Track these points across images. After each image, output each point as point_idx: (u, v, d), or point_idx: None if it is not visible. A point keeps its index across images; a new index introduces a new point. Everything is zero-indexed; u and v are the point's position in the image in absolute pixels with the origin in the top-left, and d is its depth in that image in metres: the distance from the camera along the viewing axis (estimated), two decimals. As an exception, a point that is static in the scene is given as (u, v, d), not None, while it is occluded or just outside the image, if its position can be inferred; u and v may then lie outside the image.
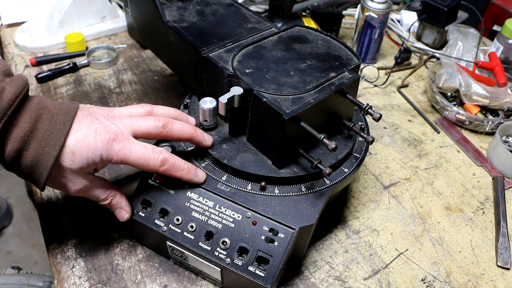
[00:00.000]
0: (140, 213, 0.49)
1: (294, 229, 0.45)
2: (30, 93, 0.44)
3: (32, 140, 0.40)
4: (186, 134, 0.48)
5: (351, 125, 0.51)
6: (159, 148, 0.45)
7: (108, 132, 0.43)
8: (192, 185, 0.49)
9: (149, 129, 0.46)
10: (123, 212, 0.48)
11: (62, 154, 0.41)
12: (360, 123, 0.57)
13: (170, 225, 0.48)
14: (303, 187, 0.49)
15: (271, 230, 0.46)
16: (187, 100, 0.58)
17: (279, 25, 0.83)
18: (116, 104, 0.76)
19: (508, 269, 0.57)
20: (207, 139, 0.50)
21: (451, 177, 0.69)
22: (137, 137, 0.46)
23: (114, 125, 0.44)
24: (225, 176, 0.49)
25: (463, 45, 0.84)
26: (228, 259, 0.45)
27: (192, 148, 0.52)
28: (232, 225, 0.46)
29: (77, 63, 0.84)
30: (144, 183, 0.50)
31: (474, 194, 0.66)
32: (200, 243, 0.46)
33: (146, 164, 0.44)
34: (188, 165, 0.48)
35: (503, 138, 0.73)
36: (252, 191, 0.48)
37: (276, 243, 0.45)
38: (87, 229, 0.56)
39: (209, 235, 0.47)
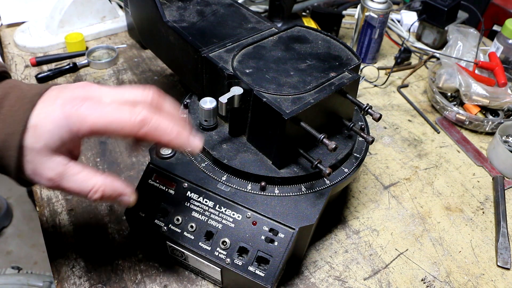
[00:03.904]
0: (140, 213, 0.49)
1: (294, 229, 0.45)
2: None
3: None
4: (175, 115, 0.40)
5: (351, 125, 0.51)
6: (139, 107, 0.37)
7: (75, 99, 0.36)
8: (192, 185, 0.49)
9: (135, 97, 0.38)
10: (125, 198, 0.40)
11: (26, 132, 0.35)
12: (360, 123, 0.57)
13: (170, 225, 0.48)
14: (303, 187, 0.49)
15: (271, 230, 0.46)
16: (187, 100, 0.58)
17: (279, 25, 0.83)
18: (116, 104, 0.76)
19: (508, 269, 0.57)
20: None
21: (451, 177, 0.69)
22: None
23: (85, 91, 0.37)
24: (225, 176, 0.49)
25: (463, 45, 0.84)
26: (228, 259, 0.45)
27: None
28: (232, 225, 0.46)
29: (77, 63, 0.84)
30: (144, 183, 0.50)
31: (474, 194, 0.66)
32: (200, 243, 0.46)
33: (120, 128, 0.36)
34: (179, 129, 0.38)
35: (503, 138, 0.73)
36: (252, 191, 0.48)
37: (276, 243, 0.45)
38: (87, 229, 0.56)
39: (209, 235, 0.47)
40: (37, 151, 0.35)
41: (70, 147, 0.37)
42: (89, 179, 0.38)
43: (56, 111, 0.35)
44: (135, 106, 0.37)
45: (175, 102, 0.42)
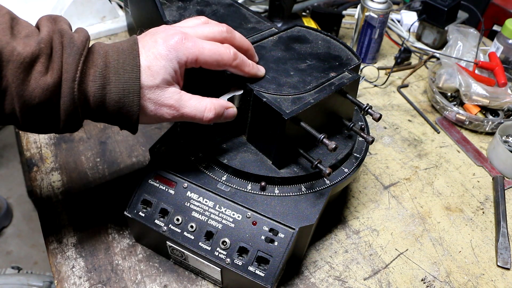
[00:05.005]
0: (140, 213, 0.49)
1: (294, 229, 0.46)
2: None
3: (110, 72, 0.39)
4: (245, 44, 0.47)
5: (351, 125, 0.51)
6: (226, 44, 0.44)
7: (174, 35, 0.41)
8: (192, 185, 0.49)
9: (214, 34, 0.45)
10: (230, 110, 0.46)
11: (141, 75, 0.40)
12: (360, 123, 0.57)
13: (170, 225, 0.48)
14: (303, 187, 0.49)
15: (271, 230, 0.46)
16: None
17: (279, 25, 0.83)
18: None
19: (508, 269, 0.57)
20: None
21: (451, 177, 0.69)
22: None
23: (178, 29, 0.43)
24: (225, 176, 0.49)
25: (463, 45, 0.84)
26: (228, 259, 0.45)
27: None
28: (232, 225, 0.46)
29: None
30: (144, 183, 0.50)
31: (474, 194, 0.66)
32: (200, 243, 0.46)
33: (220, 58, 0.43)
34: (251, 61, 0.47)
35: (503, 138, 0.73)
36: (252, 191, 0.48)
37: (276, 243, 0.45)
38: (87, 229, 0.56)
39: (209, 235, 0.47)
40: (156, 86, 0.41)
41: (177, 79, 0.43)
42: (201, 101, 0.44)
43: (163, 49, 0.41)
44: (221, 43, 0.44)
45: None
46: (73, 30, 0.41)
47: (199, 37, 0.43)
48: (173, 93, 0.42)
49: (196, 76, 0.54)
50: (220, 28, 0.45)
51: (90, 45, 0.41)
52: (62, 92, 0.38)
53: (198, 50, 0.42)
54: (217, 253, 0.46)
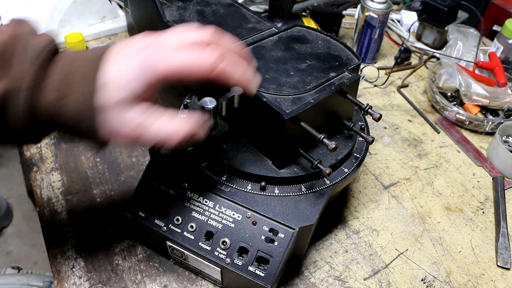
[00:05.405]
0: (140, 213, 0.49)
1: (294, 229, 0.46)
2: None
3: (69, 83, 0.35)
4: (236, 48, 0.41)
5: (351, 125, 0.51)
6: (207, 51, 0.37)
7: (139, 49, 0.36)
8: (192, 185, 0.49)
9: (196, 39, 0.38)
10: (196, 138, 0.39)
11: (96, 92, 0.35)
12: (360, 123, 0.57)
13: (170, 225, 0.48)
14: (303, 187, 0.49)
15: (271, 230, 0.46)
16: (187, 100, 0.58)
17: (279, 25, 0.83)
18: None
19: (508, 269, 0.57)
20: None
21: (451, 177, 0.69)
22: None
23: (154, 39, 0.38)
24: (225, 176, 0.49)
25: (463, 45, 0.84)
26: (228, 259, 0.45)
27: (191, 148, 0.52)
28: (232, 225, 0.46)
29: (77, 63, 0.84)
30: (144, 183, 0.50)
31: (474, 194, 0.66)
32: (200, 243, 0.46)
33: (193, 72, 0.36)
34: (242, 69, 0.39)
35: (503, 138, 0.73)
36: (252, 191, 0.48)
37: (276, 243, 0.45)
38: (87, 229, 0.56)
39: (209, 235, 0.47)
40: (116, 103, 0.35)
41: (145, 97, 0.37)
42: (163, 128, 0.38)
43: (124, 65, 0.36)
44: (201, 49, 0.37)
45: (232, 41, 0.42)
46: (64, 33, 0.38)
47: (178, 45, 0.38)
48: (136, 113, 0.37)
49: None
50: (203, 33, 0.39)
51: (59, 51, 0.37)
52: (13, 102, 0.34)
53: (170, 60, 0.36)
54: (217, 253, 0.46)
